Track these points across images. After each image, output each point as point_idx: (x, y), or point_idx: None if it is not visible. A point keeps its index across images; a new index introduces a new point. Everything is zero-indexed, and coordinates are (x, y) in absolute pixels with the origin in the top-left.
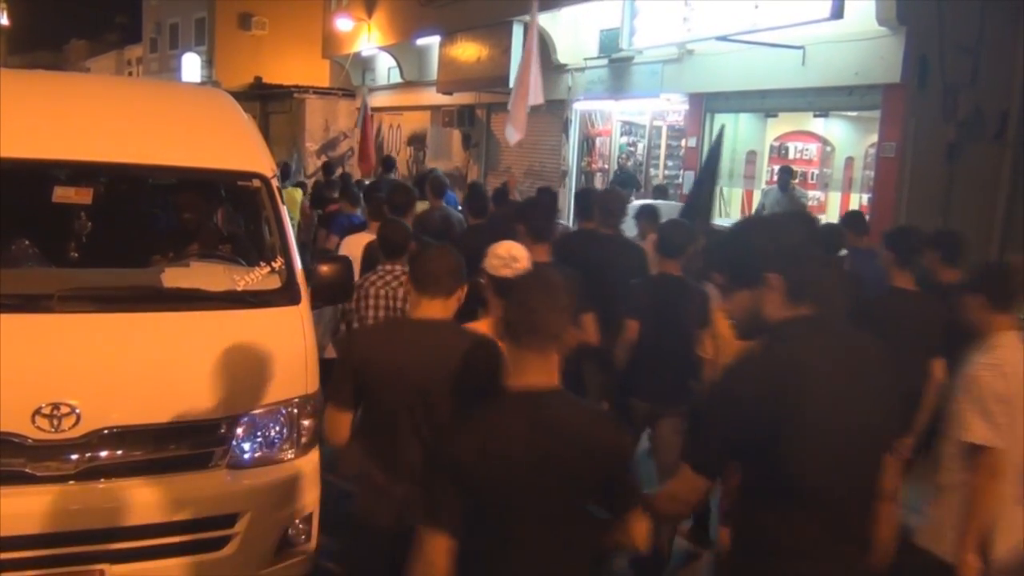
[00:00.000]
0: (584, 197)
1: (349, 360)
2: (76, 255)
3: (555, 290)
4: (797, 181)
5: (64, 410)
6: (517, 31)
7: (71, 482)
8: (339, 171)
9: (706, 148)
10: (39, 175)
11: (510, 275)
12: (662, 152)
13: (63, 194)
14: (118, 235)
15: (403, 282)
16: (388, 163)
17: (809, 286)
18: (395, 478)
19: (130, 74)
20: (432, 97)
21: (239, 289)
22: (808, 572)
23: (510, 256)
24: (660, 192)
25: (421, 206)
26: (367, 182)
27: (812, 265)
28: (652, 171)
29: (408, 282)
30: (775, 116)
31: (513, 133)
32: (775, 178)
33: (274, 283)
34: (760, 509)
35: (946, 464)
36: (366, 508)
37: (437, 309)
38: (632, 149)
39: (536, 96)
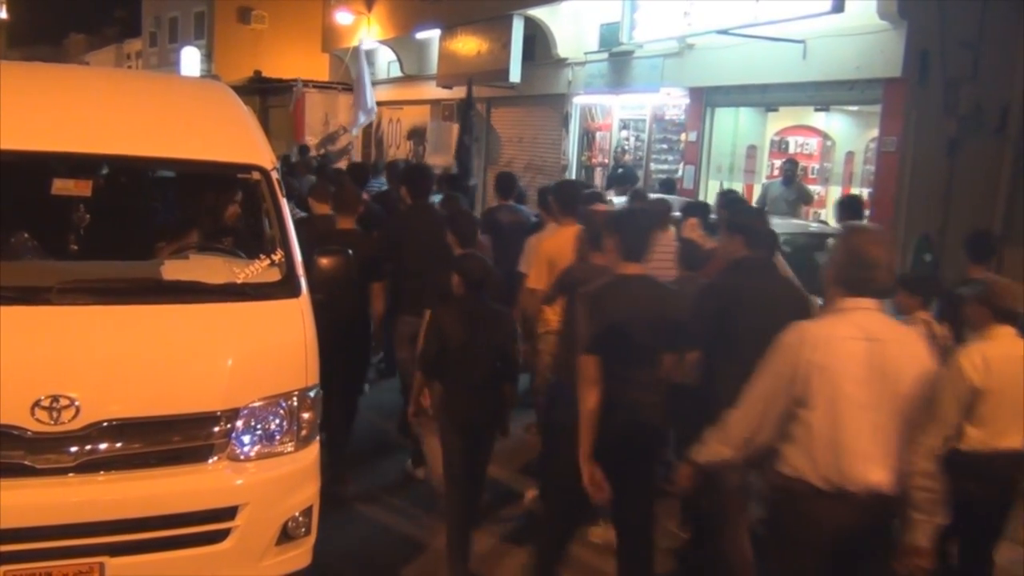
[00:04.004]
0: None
1: None
2: (75, 247)
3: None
4: (799, 175)
5: (63, 402)
6: (517, 25)
7: (70, 474)
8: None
9: (707, 143)
10: (38, 167)
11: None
12: (646, 145)
13: (62, 186)
14: (117, 228)
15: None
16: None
17: (418, 194)
18: None
19: (129, 68)
20: (432, 91)
21: (239, 282)
22: (412, 302)
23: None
24: (667, 186)
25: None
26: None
27: (422, 182)
28: (652, 165)
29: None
30: (775, 110)
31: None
32: (776, 172)
33: (274, 276)
34: (398, 280)
35: None
36: None
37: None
38: (627, 144)
39: (368, 116)
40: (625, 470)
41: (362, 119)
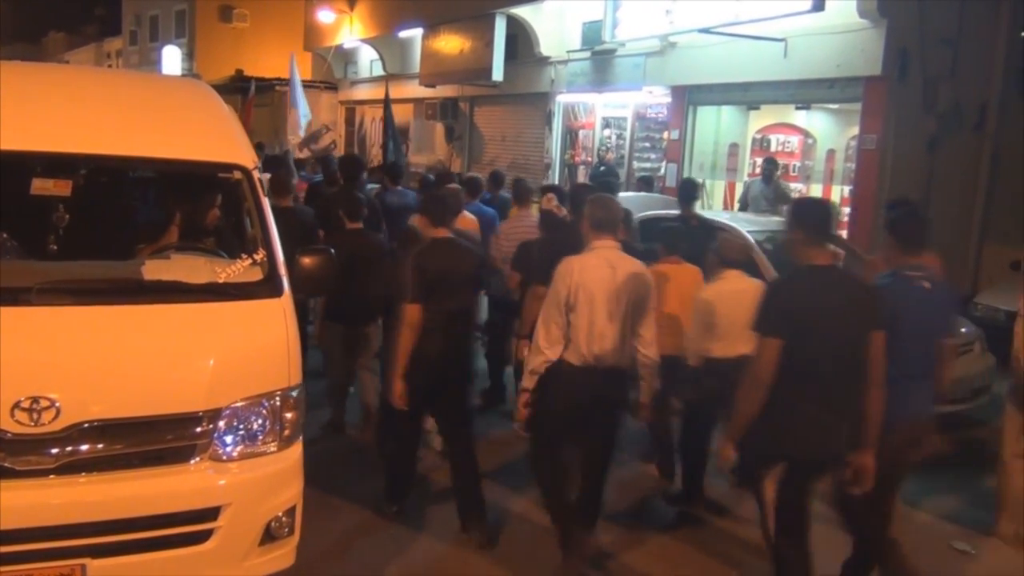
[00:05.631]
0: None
1: None
2: (55, 248)
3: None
4: (779, 174)
5: (44, 404)
6: (500, 23)
7: (51, 476)
8: None
9: (689, 141)
10: (16, 167)
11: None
12: (629, 143)
13: (41, 186)
14: (98, 227)
15: None
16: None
17: (348, 177)
18: None
19: (109, 67)
20: (415, 90)
21: (220, 281)
22: None
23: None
24: (646, 183)
25: None
26: None
27: (353, 167)
28: (635, 163)
29: None
30: (757, 108)
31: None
32: (758, 170)
33: (256, 275)
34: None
35: None
36: None
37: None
38: (609, 142)
39: (298, 124)
40: (445, 378)
41: (303, 121)
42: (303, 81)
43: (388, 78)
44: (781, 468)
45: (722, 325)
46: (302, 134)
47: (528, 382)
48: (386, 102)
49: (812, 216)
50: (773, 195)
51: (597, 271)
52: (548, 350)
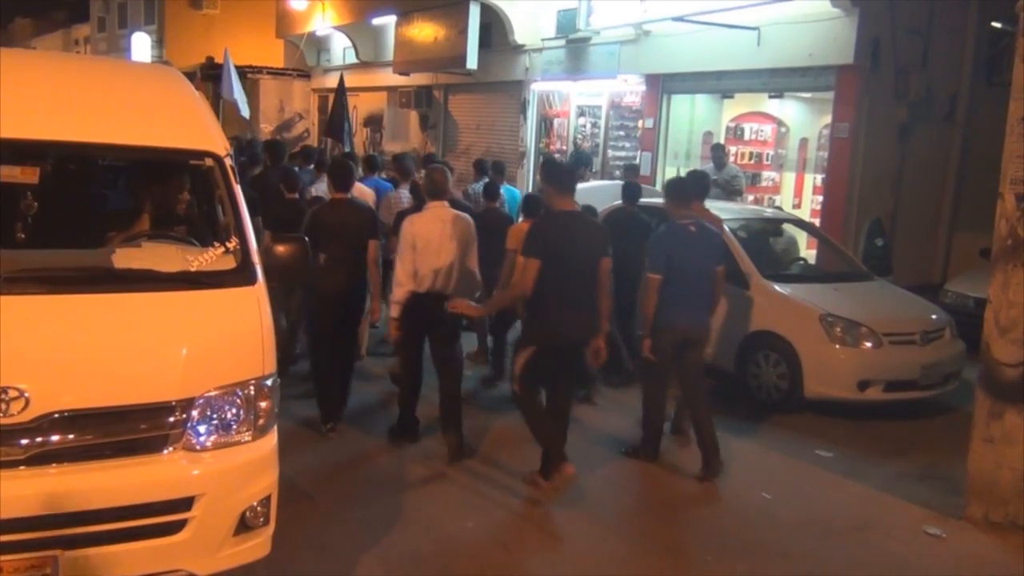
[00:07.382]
0: (268, 145)
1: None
2: (23, 236)
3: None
4: (753, 162)
5: (12, 394)
6: (474, 11)
7: (22, 467)
8: None
9: (663, 129)
10: None
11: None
12: (603, 132)
13: (8, 173)
14: (67, 215)
15: None
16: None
17: (274, 159)
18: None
19: (77, 53)
20: (389, 78)
21: (192, 270)
22: None
23: None
24: (631, 171)
25: None
26: None
27: (277, 150)
28: (610, 152)
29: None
30: (731, 97)
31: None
32: (732, 158)
33: (229, 263)
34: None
35: None
36: None
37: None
38: (584, 130)
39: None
40: (342, 303)
41: (241, 106)
42: (276, 69)
43: (344, 70)
44: (532, 349)
45: None
46: (245, 114)
47: (395, 311)
48: (339, 90)
49: (560, 176)
50: (724, 181)
51: (430, 224)
52: (407, 284)
